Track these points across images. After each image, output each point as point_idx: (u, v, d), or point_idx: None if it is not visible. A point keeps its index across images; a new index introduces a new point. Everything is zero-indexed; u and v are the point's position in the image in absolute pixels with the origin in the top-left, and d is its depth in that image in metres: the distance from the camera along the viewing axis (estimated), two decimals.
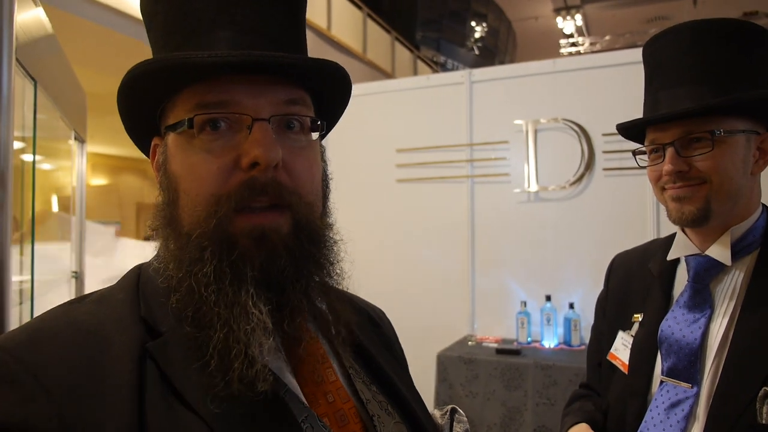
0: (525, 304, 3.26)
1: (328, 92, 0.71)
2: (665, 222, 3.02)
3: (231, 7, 0.63)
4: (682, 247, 1.12)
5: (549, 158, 3.33)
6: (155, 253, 0.69)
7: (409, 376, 0.83)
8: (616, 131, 3.43)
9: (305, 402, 0.63)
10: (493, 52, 11.92)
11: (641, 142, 1.16)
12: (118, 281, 0.69)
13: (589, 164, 3.23)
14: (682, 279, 1.12)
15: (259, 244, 0.60)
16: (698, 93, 1.02)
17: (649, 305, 1.16)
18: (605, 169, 3.20)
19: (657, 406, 1.05)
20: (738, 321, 1.00)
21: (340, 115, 0.78)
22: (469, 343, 3.24)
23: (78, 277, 2.50)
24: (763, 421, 0.90)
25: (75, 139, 2.40)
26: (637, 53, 3.14)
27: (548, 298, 3.18)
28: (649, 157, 1.10)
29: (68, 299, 0.66)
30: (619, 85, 3.17)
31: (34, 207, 1.74)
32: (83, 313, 0.61)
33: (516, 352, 2.98)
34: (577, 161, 3.26)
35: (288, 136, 0.64)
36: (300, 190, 0.63)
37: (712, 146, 1.01)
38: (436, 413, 0.81)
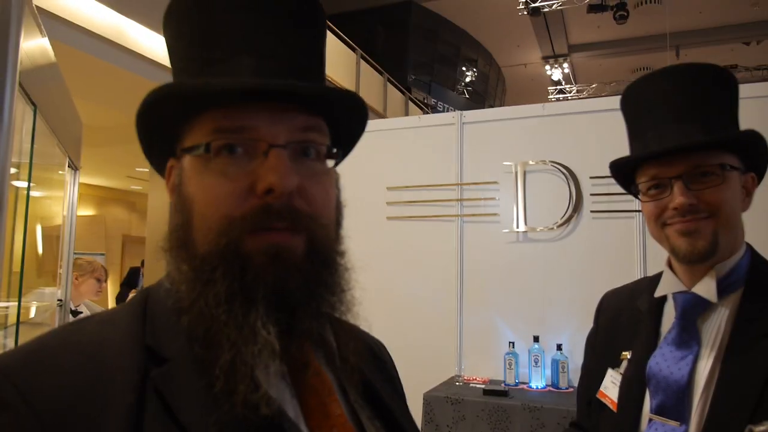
0: (513, 344, 3.25)
1: (344, 121, 0.71)
2: (652, 264, 3.06)
3: (253, 33, 0.64)
4: (669, 285, 1.13)
5: (537, 199, 3.38)
6: (166, 274, 0.68)
7: (409, 411, 0.81)
8: (603, 174, 3.47)
9: None
10: (482, 96, 12.17)
11: (629, 182, 1.17)
12: (123, 305, 0.68)
13: (577, 206, 3.29)
14: (669, 316, 1.13)
15: (272, 262, 0.60)
16: (692, 130, 1.04)
17: (638, 342, 1.16)
18: (593, 212, 3.25)
19: None
20: (724, 359, 1.00)
21: (356, 143, 0.78)
22: (456, 383, 3.21)
23: (62, 305, 2.46)
24: None
25: (69, 166, 2.40)
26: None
27: (536, 339, 3.18)
28: (646, 194, 1.10)
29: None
30: (607, 129, 3.25)
31: (26, 234, 1.73)
32: (86, 334, 0.61)
33: (503, 393, 2.95)
34: (565, 203, 3.31)
35: (304, 163, 0.64)
36: (316, 215, 0.63)
37: (722, 180, 1.02)
38: None
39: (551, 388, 3.10)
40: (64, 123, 2.02)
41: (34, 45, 1.46)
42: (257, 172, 0.61)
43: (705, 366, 1.02)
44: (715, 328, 1.04)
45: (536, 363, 3.15)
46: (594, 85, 11.12)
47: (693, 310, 1.07)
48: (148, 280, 6.93)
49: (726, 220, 1.03)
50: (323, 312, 0.64)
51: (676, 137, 1.04)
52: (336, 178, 0.72)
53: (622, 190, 3.52)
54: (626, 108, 1.18)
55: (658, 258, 3.05)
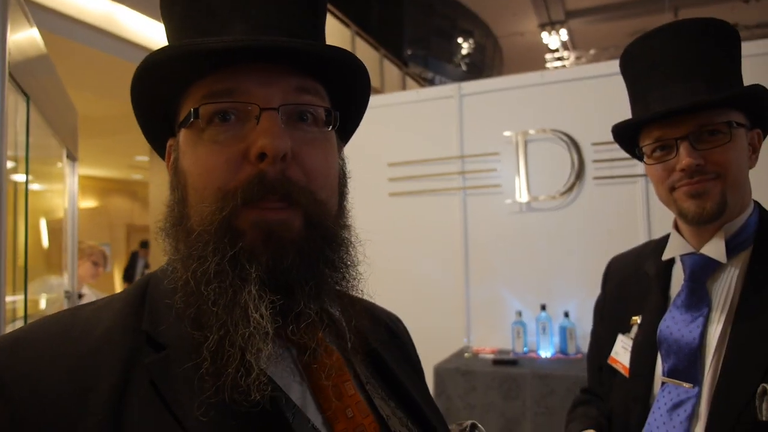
0: (520, 314, 3.26)
1: (345, 86, 0.68)
2: (656, 228, 3.05)
3: (247, 3, 0.61)
4: (677, 247, 1.11)
5: (539, 169, 3.36)
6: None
7: (427, 388, 0.79)
8: (605, 141, 3.44)
9: (314, 423, 0.59)
10: (480, 68, 12.04)
11: (632, 145, 1.15)
12: (124, 290, 0.66)
13: (580, 174, 3.26)
14: (678, 279, 1.12)
15: (266, 239, 0.57)
16: (696, 88, 1.01)
17: (647, 307, 1.15)
18: (595, 178, 3.23)
19: (659, 408, 1.04)
20: (735, 319, 1.00)
21: (362, 112, 0.74)
22: (466, 354, 3.23)
23: (70, 297, 2.48)
24: (764, 418, 0.89)
25: (67, 157, 2.39)
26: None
27: (543, 308, 3.18)
28: (651, 157, 1.08)
29: None
30: (607, 95, 3.21)
31: (27, 228, 1.73)
32: (79, 319, 0.59)
33: (513, 363, 2.97)
34: (568, 171, 3.28)
35: (300, 128, 0.61)
36: (312, 187, 0.60)
37: (730, 138, 1.00)
38: (455, 429, 0.79)
39: (560, 355, 3.11)
40: (58, 113, 2.00)
41: (22, 36, 1.44)
42: (249, 138, 0.58)
43: (716, 327, 1.02)
44: (725, 288, 1.03)
45: (544, 331, 3.16)
46: (592, 51, 10.98)
47: (702, 271, 1.06)
48: (154, 263, 6.97)
49: (734, 180, 1.01)
50: (326, 290, 0.62)
51: (680, 96, 1.01)
52: (337, 145, 0.68)
53: (624, 156, 3.48)
54: (626, 69, 1.15)
55: (662, 222, 3.04)
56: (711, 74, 1.02)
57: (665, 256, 1.14)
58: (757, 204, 1.09)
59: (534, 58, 11.35)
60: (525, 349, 3.20)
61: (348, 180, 0.71)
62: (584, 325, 3.18)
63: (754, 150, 1.06)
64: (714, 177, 1.00)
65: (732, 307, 1.01)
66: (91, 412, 0.51)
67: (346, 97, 0.69)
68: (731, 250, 1.04)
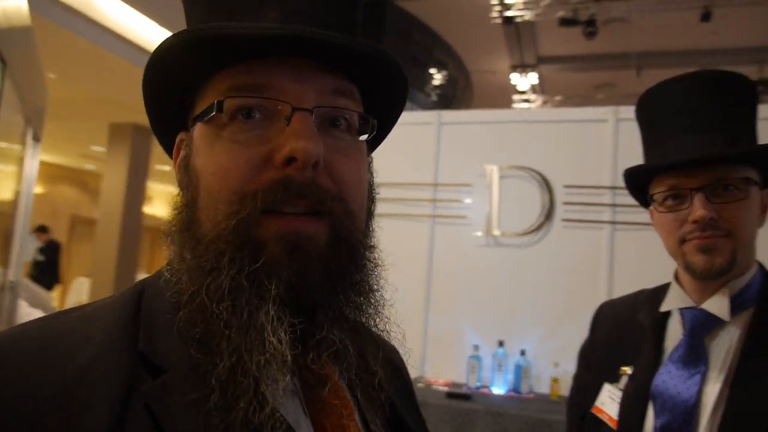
0: (477, 348, 3.24)
1: (380, 92, 0.62)
2: (618, 275, 3.11)
3: None
4: (677, 300, 1.10)
5: (510, 205, 3.39)
6: (165, 266, 0.59)
7: (426, 426, 0.74)
8: (576, 184, 3.49)
9: None
10: (450, 100, 12.23)
11: (641, 190, 1.14)
12: (114, 298, 0.57)
13: (549, 214, 3.31)
14: (674, 332, 1.10)
15: (290, 252, 0.50)
16: (715, 141, 1.01)
17: (640, 358, 1.13)
18: (564, 220, 3.28)
19: None
20: (735, 380, 0.98)
21: (393, 123, 0.69)
22: (419, 385, 3.18)
23: (13, 287, 2.30)
24: None
25: (33, 138, 2.25)
26: (601, 112, 3.28)
27: (501, 344, 3.18)
28: (662, 205, 1.06)
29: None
30: (584, 140, 3.29)
31: None
32: (64, 330, 0.51)
33: (466, 397, 2.94)
34: (538, 210, 3.32)
35: (333, 134, 0.55)
36: (344, 196, 0.54)
37: (745, 194, 1.00)
38: None
39: (513, 393, 3.10)
40: (31, 90, 1.88)
41: (10, 4, 1.34)
42: (276, 139, 0.52)
43: (714, 387, 1.00)
44: (724, 347, 1.02)
45: (500, 367, 3.15)
46: (558, 98, 11.34)
47: (702, 327, 1.04)
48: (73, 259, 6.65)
49: (744, 239, 1.00)
50: (347, 316, 0.56)
51: (699, 147, 1.01)
52: (368, 157, 0.63)
53: (593, 201, 3.51)
54: (643, 113, 1.15)
55: (624, 270, 3.10)
56: (730, 128, 1.03)
57: (664, 308, 1.12)
58: (760, 264, 1.09)
59: (502, 98, 11.63)
60: (478, 384, 3.18)
61: (376, 197, 0.64)
62: (539, 364, 3.19)
63: (764, 209, 1.06)
64: (725, 234, 0.99)
65: (732, 367, 1.00)
66: None
67: (378, 103, 0.63)
68: (734, 308, 1.03)
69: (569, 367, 3.10)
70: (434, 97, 11.75)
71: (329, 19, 0.57)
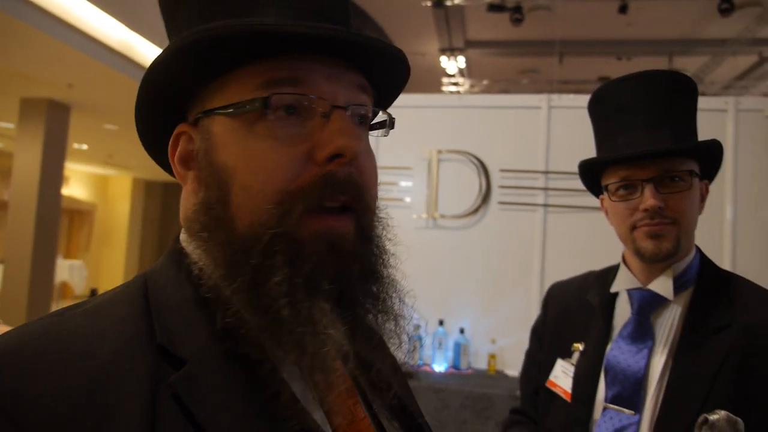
0: (418, 327, 3.33)
1: (389, 85, 0.64)
2: (550, 256, 3.27)
3: None
4: (625, 281, 1.19)
5: (449, 188, 3.48)
6: (167, 260, 0.59)
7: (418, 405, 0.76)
8: (512, 168, 3.63)
9: None
10: None
11: (594, 181, 1.22)
12: (115, 293, 0.56)
13: (486, 197, 3.42)
14: (622, 311, 1.20)
15: (329, 250, 0.53)
16: (664, 136, 1.09)
17: (591, 335, 1.22)
18: (500, 203, 3.41)
19: None
20: (677, 353, 1.08)
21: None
22: None
23: None
24: None
25: None
26: (535, 99, 3.41)
27: (441, 323, 3.28)
28: (615, 194, 1.14)
29: None
30: (518, 125, 3.42)
31: None
32: (74, 327, 0.50)
33: (409, 375, 3.02)
34: (475, 193, 3.43)
35: (359, 130, 0.57)
36: (369, 192, 0.57)
37: (689, 185, 1.09)
38: None
39: (453, 370, 3.22)
40: None
41: None
42: (316, 136, 0.53)
43: (659, 359, 1.10)
44: (668, 323, 1.12)
45: (440, 345, 3.26)
46: (485, 82, 11.61)
47: (649, 306, 1.14)
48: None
49: (687, 226, 1.11)
50: (373, 303, 0.58)
51: (649, 142, 1.10)
52: None
53: (527, 185, 3.68)
54: (596, 108, 1.22)
55: (555, 250, 3.27)
56: (676, 125, 1.12)
57: (614, 289, 1.21)
58: (698, 248, 1.20)
59: (432, 80, 11.77)
60: (420, 362, 3.28)
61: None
62: (477, 341, 3.32)
63: (702, 199, 1.17)
64: (671, 222, 1.09)
65: (674, 341, 1.10)
66: None
67: (379, 94, 0.65)
68: (677, 288, 1.13)
69: (505, 343, 3.26)
70: None
71: (333, 14, 0.59)
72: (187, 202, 0.59)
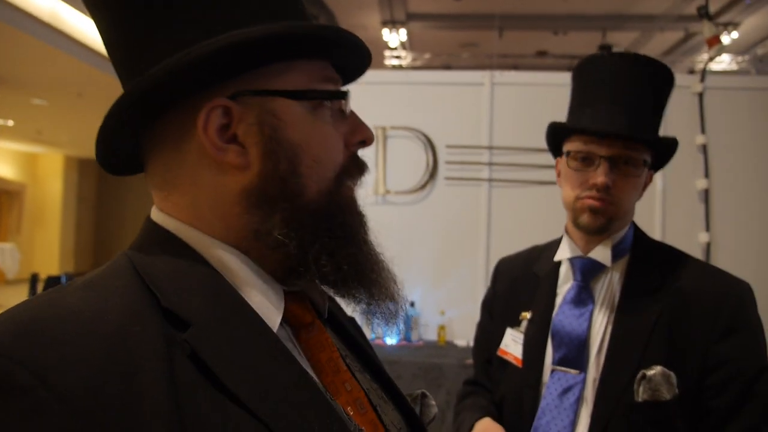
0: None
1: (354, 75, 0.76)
2: (495, 228, 3.39)
3: None
4: (568, 250, 1.27)
5: (397, 164, 3.53)
6: (147, 237, 0.62)
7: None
8: (457, 144, 3.71)
9: (328, 393, 0.61)
10: None
11: (558, 145, 1.27)
12: (103, 270, 0.58)
13: (433, 173, 3.49)
14: (565, 278, 1.29)
15: (352, 211, 0.66)
16: (628, 121, 1.16)
17: (537, 304, 1.30)
18: (446, 178, 3.49)
19: (551, 393, 1.19)
20: (616, 314, 1.18)
21: None
22: None
23: None
24: (639, 399, 1.08)
25: None
26: (478, 76, 3.48)
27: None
28: (574, 161, 1.20)
29: None
30: (463, 101, 3.49)
31: None
32: (77, 299, 0.51)
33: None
34: (423, 169, 3.50)
35: None
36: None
37: (639, 172, 1.17)
38: (408, 398, 0.84)
39: (404, 342, 3.32)
40: None
41: None
42: (344, 126, 0.66)
43: (600, 321, 1.20)
44: (607, 288, 1.22)
45: None
46: (427, 56, 11.64)
47: (589, 273, 1.24)
48: None
49: (625, 208, 1.20)
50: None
51: (619, 122, 1.16)
52: None
53: (472, 160, 3.78)
54: (575, 79, 1.27)
55: (501, 223, 3.39)
56: (644, 113, 1.19)
57: (557, 258, 1.30)
58: (632, 221, 1.29)
59: (374, 53, 11.67)
60: (373, 336, 3.35)
61: None
62: (427, 314, 3.42)
63: (645, 186, 1.26)
64: (611, 202, 1.17)
65: (613, 303, 1.20)
66: (146, 395, 0.46)
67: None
68: (614, 256, 1.22)
69: (454, 314, 3.38)
70: None
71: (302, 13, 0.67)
72: (218, 178, 0.60)
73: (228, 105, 0.59)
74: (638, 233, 1.28)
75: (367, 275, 0.65)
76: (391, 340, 3.30)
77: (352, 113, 0.67)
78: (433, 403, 0.84)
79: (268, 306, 0.60)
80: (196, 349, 0.51)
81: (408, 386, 2.88)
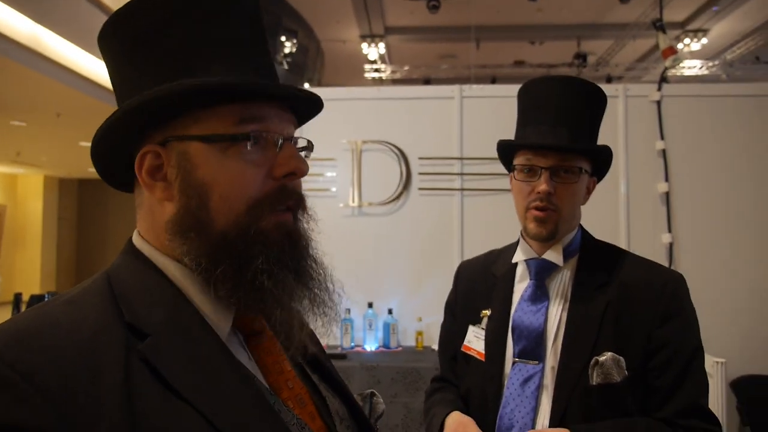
0: (349, 311, 3.49)
1: (305, 116, 0.83)
2: (468, 236, 3.50)
3: (241, 43, 0.74)
4: (524, 252, 1.39)
5: (371, 176, 3.63)
6: (126, 258, 0.73)
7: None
8: (429, 156, 3.83)
9: (271, 390, 0.72)
10: (302, 69, 12.16)
11: (509, 160, 1.40)
12: (84, 287, 0.70)
13: (407, 184, 3.60)
14: (521, 277, 1.41)
15: (286, 237, 0.71)
16: (567, 133, 1.29)
17: (496, 301, 1.41)
18: (420, 189, 3.60)
19: (513, 384, 1.29)
20: (569, 307, 1.30)
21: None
22: None
23: None
24: (594, 383, 1.20)
25: None
26: (448, 90, 3.60)
27: (370, 305, 3.45)
28: (521, 172, 1.34)
29: None
30: (434, 115, 3.61)
31: None
32: (60, 315, 0.63)
33: (342, 357, 3.18)
34: (396, 181, 3.61)
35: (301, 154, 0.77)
36: (305, 198, 0.77)
37: (577, 179, 1.30)
38: (357, 397, 0.94)
39: (383, 348, 3.41)
40: None
41: None
42: (273, 160, 0.72)
43: (555, 315, 1.31)
44: (560, 285, 1.34)
45: (370, 327, 3.43)
46: (406, 68, 11.80)
47: (544, 272, 1.36)
48: None
49: (568, 215, 1.32)
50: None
51: (554, 136, 1.30)
52: None
53: (445, 171, 3.92)
54: (520, 99, 1.41)
55: (473, 232, 3.50)
56: (579, 127, 1.32)
57: (515, 259, 1.41)
58: (580, 225, 1.42)
59: (354, 66, 11.85)
60: (352, 344, 3.44)
61: None
62: (404, 320, 3.52)
63: (588, 192, 1.39)
64: (554, 209, 1.30)
65: (566, 298, 1.32)
66: (106, 392, 0.57)
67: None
68: (565, 256, 1.35)
69: (431, 320, 3.47)
70: (285, 66, 11.62)
71: (270, 71, 0.77)
72: (157, 207, 0.73)
73: (157, 150, 0.72)
74: (586, 235, 1.41)
75: (279, 297, 0.69)
76: (370, 347, 3.39)
77: (287, 145, 0.73)
78: (381, 400, 0.95)
79: (217, 316, 0.70)
80: (148, 356, 0.62)
81: (386, 390, 2.98)
